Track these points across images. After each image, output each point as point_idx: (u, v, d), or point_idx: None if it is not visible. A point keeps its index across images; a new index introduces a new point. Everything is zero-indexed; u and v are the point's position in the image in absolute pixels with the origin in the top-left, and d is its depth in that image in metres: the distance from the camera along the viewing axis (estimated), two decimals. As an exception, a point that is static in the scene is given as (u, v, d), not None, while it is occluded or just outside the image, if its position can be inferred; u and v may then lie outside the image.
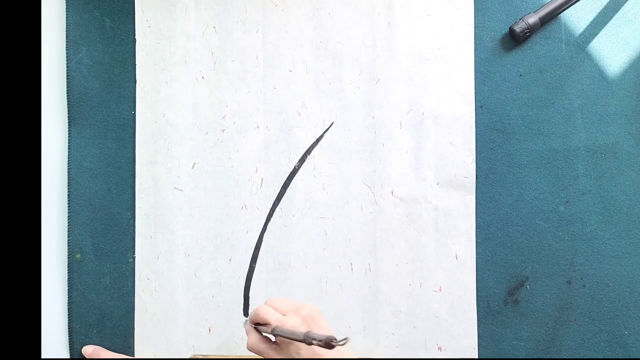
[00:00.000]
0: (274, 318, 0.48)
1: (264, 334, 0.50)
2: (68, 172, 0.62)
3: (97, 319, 0.62)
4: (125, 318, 0.62)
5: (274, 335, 0.47)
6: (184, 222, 0.61)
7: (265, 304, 0.50)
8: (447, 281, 0.60)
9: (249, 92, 0.61)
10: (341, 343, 0.41)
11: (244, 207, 0.61)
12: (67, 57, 0.62)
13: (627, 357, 0.59)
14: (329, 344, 0.42)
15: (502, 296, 0.60)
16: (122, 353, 0.61)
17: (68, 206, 0.62)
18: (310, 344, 0.43)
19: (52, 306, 0.62)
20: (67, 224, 0.62)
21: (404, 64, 0.60)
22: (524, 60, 0.60)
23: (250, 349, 0.49)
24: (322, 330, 0.47)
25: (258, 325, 0.50)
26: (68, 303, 0.62)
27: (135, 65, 0.62)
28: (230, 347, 0.61)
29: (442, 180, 0.60)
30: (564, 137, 0.60)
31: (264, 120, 0.61)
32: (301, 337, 0.44)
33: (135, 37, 0.62)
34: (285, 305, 0.50)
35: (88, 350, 0.61)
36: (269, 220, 0.61)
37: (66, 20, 0.62)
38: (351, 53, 0.61)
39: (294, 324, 0.46)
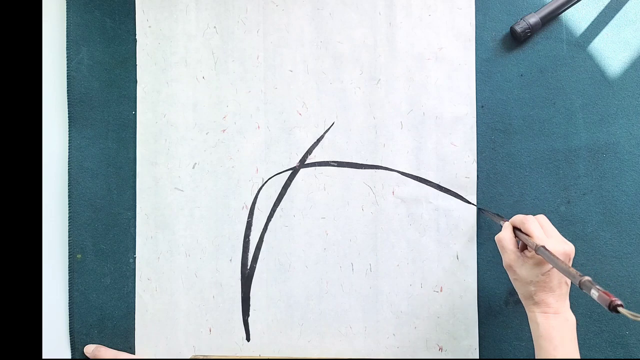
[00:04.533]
0: (538, 234, 0.48)
1: (519, 241, 0.49)
2: (68, 172, 0.62)
3: (97, 319, 0.62)
4: (126, 318, 0.62)
5: (537, 252, 0.45)
6: (184, 222, 0.61)
7: (535, 218, 0.50)
8: (448, 281, 0.59)
9: (249, 92, 0.61)
10: (632, 316, 0.33)
11: (244, 207, 0.61)
12: (67, 57, 0.62)
13: (629, 357, 0.59)
14: (614, 307, 0.33)
15: (503, 296, 0.60)
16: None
17: (69, 206, 0.62)
18: (582, 289, 0.37)
19: (53, 307, 0.62)
20: (67, 225, 0.62)
21: (405, 64, 0.60)
22: (525, 60, 0.60)
23: (498, 239, 0.51)
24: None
25: (517, 230, 0.50)
26: (69, 303, 0.62)
27: (135, 65, 0.62)
28: (230, 347, 0.61)
29: (443, 181, 0.60)
30: (565, 137, 0.59)
31: (264, 120, 0.61)
32: (576, 279, 0.38)
33: (136, 37, 0.62)
34: (551, 229, 0.49)
35: (89, 349, 0.61)
36: (270, 220, 0.61)
37: (67, 20, 0.62)
38: (352, 53, 0.61)
39: (554, 249, 0.46)
